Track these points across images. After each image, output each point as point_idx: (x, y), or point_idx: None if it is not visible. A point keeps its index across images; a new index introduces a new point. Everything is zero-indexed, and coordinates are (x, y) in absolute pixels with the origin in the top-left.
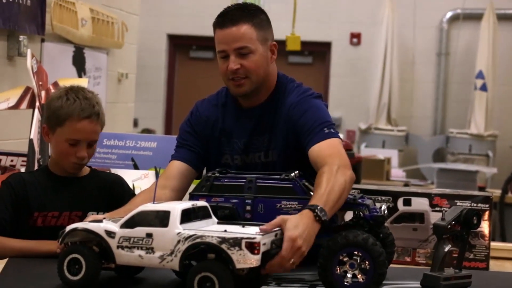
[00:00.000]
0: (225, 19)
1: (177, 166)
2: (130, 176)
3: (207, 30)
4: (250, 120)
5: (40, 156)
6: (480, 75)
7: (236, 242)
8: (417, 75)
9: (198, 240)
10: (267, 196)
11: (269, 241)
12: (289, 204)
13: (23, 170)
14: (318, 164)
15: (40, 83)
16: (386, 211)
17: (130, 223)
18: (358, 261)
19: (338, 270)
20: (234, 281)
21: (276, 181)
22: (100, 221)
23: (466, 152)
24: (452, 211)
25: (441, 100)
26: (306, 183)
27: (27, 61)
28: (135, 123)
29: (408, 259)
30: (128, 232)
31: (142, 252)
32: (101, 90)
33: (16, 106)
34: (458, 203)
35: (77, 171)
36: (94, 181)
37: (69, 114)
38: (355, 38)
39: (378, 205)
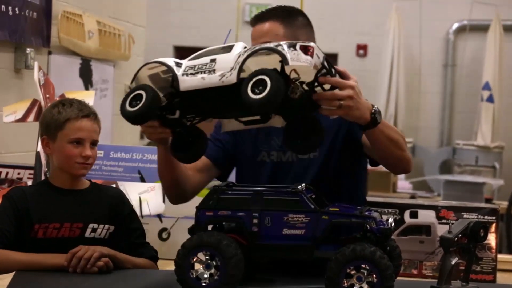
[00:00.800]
0: (256, 17)
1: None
2: (136, 189)
3: (213, 41)
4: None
5: (47, 169)
6: (486, 87)
7: (291, 44)
8: (423, 87)
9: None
10: (274, 209)
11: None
12: (296, 217)
13: (30, 183)
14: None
15: (47, 95)
16: (393, 224)
17: (197, 56)
18: (366, 274)
19: (345, 283)
20: (288, 104)
21: (283, 194)
22: None
23: (473, 163)
24: (459, 224)
25: (447, 111)
26: (313, 196)
27: (34, 74)
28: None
29: (415, 271)
30: (193, 62)
31: (205, 75)
32: (108, 102)
33: (23, 118)
34: (464, 216)
35: (84, 172)
36: (94, 193)
37: (68, 116)
38: (362, 49)
39: (384, 217)
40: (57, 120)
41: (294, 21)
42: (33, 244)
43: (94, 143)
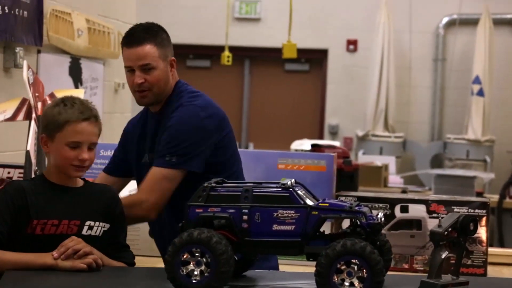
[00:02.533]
0: (132, 39)
1: (101, 178)
2: (127, 187)
3: (204, 39)
4: (153, 123)
5: (37, 168)
6: (476, 80)
7: None
8: (414, 81)
9: None
10: (264, 206)
11: None
12: (286, 213)
13: None
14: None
15: (37, 94)
16: (383, 219)
17: None
18: (356, 269)
19: (336, 278)
20: None
21: (272, 190)
22: None
23: (464, 157)
24: (449, 218)
25: (438, 105)
26: (303, 191)
27: (23, 73)
28: None
29: (406, 266)
30: None
31: None
32: (98, 100)
33: (13, 118)
34: (455, 209)
35: (80, 175)
36: (89, 191)
37: (68, 118)
38: (352, 44)
39: (374, 212)
40: (57, 121)
41: (163, 41)
42: (30, 240)
43: (92, 146)
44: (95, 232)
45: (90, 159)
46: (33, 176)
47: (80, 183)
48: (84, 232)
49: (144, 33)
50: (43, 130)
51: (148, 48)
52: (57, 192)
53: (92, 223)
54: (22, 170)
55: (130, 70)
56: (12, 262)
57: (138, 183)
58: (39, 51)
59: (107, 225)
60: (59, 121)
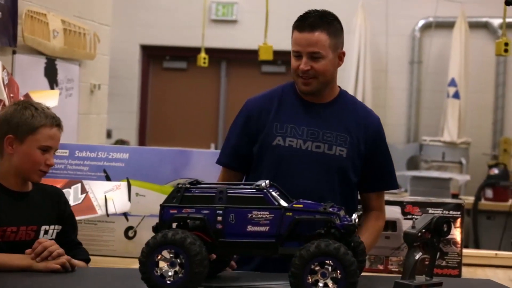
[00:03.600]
0: (305, 23)
1: (223, 175)
2: (102, 188)
3: (180, 40)
4: (315, 113)
5: None
6: (452, 83)
7: None
8: (390, 83)
9: None
10: (238, 207)
11: None
12: (260, 214)
13: None
14: (373, 207)
15: (12, 95)
16: (357, 220)
17: None
18: (330, 270)
19: (310, 279)
20: None
21: (246, 191)
22: None
23: (440, 159)
24: (423, 219)
25: (414, 108)
26: (277, 193)
27: None
28: (109, 134)
29: (381, 267)
30: None
31: None
32: (73, 101)
33: None
34: (430, 211)
35: (40, 180)
36: (40, 194)
37: (44, 122)
38: None
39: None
40: (31, 123)
41: (336, 31)
42: None
43: (55, 152)
44: (51, 236)
45: (54, 164)
46: None
47: (30, 186)
48: (40, 236)
49: (318, 20)
50: (9, 130)
51: (320, 36)
52: (13, 199)
53: (47, 227)
54: None
55: (297, 55)
56: None
57: (265, 168)
58: (14, 52)
59: (59, 227)
60: (34, 124)
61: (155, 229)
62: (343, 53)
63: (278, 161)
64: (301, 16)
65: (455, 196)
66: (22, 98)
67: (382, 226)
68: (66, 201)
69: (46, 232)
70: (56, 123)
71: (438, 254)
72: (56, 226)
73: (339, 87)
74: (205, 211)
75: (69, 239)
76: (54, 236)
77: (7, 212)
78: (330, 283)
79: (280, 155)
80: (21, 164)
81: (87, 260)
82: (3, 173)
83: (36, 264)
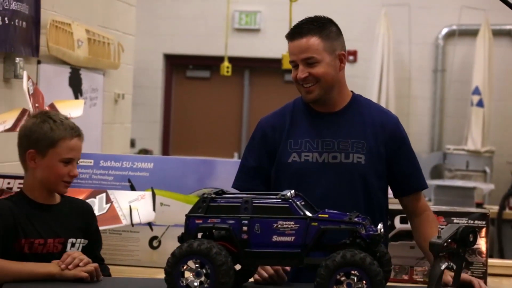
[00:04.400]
0: (295, 32)
1: None
2: (127, 198)
3: (203, 49)
4: (328, 123)
5: None
6: (476, 91)
7: None
8: (413, 92)
9: None
10: (264, 216)
11: None
12: (285, 224)
13: None
14: (416, 210)
15: (37, 105)
16: (382, 230)
17: None
18: (356, 280)
19: None
20: None
21: (272, 201)
22: None
23: (464, 168)
24: (448, 229)
25: (437, 116)
26: (302, 203)
27: (23, 83)
28: (132, 144)
29: (405, 277)
30: None
31: None
32: (97, 111)
33: (13, 128)
34: (454, 220)
35: (66, 191)
36: (68, 208)
37: (63, 134)
38: (351, 55)
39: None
40: (51, 137)
41: (330, 33)
42: (19, 258)
43: (77, 162)
44: (77, 249)
45: (77, 175)
46: None
47: (58, 198)
48: (68, 249)
49: (308, 25)
50: (30, 145)
51: (311, 40)
52: (39, 211)
53: (74, 240)
54: (22, 181)
55: (294, 65)
56: (15, 271)
57: (281, 184)
58: (39, 62)
59: (86, 241)
60: (53, 137)
61: (181, 239)
62: (343, 55)
63: (296, 177)
64: (293, 26)
65: (479, 205)
66: (47, 108)
67: (435, 218)
68: (93, 216)
69: (73, 245)
70: (75, 133)
71: (463, 264)
72: (83, 240)
73: (352, 92)
74: (230, 221)
75: (93, 255)
76: (80, 250)
77: (35, 224)
78: None
79: (297, 172)
80: (45, 178)
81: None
82: (29, 186)
83: (65, 272)
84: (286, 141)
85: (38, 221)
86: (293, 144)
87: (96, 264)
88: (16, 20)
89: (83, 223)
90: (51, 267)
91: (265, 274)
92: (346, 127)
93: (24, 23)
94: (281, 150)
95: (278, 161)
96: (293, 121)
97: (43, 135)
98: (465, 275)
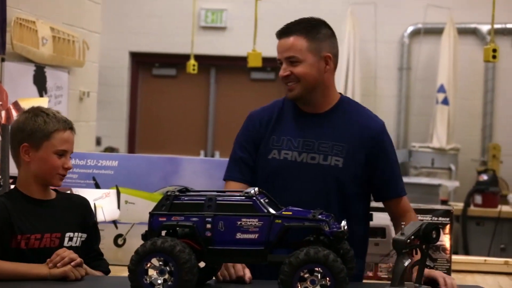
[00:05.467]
0: (281, 31)
1: (234, 187)
2: (91, 195)
3: (170, 47)
4: (312, 124)
5: (0, 177)
6: (441, 89)
7: None
8: (379, 90)
9: None
10: (227, 214)
11: None
12: (249, 221)
13: None
14: (402, 212)
15: (0, 103)
16: (345, 227)
17: None
18: (319, 277)
19: (299, 287)
20: None
21: (236, 199)
22: None
23: (429, 165)
24: (412, 226)
25: (403, 114)
26: (266, 200)
27: None
28: (98, 142)
29: (370, 274)
30: None
31: None
32: (62, 109)
33: None
34: (419, 217)
35: (61, 184)
36: (64, 203)
37: (56, 126)
38: None
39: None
40: (45, 129)
41: (317, 34)
42: (16, 254)
43: (70, 155)
44: (75, 243)
45: (72, 167)
46: None
47: (53, 194)
48: (65, 244)
49: (296, 25)
50: (23, 138)
51: (296, 40)
52: (35, 206)
53: (71, 234)
54: None
55: (279, 63)
56: (8, 271)
57: (263, 181)
58: (3, 59)
59: (84, 235)
60: (47, 130)
61: (144, 237)
62: (329, 57)
63: (273, 174)
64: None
65: (444, 202)
66: (11, 106)
67: (416, 219)
68: (91, 211)
69: (70, 239)
70: (68, 126)
71: (427, 260)
72: (81, 234)
73: (340, 94)
74: (194, 219)
75: (92, 249)
76: (79, 244)
77: (30, 220)
78: None
79: (275, 169)
80: (40, 171)
81: (107, 272)
82: (23, 181)
83: (53, 271)
84: (269, 136)
85: (33, 216)
86: (275, 141)
87: (84, 270)
88: None
89: (80, 217)
90: (43, 269)
91: (233, 276)
92: (328, 129)
93: None
94: (263, 145)
95: (260, 154)
96: (279, 117)
97: (37, 128)
98: (432, 271)
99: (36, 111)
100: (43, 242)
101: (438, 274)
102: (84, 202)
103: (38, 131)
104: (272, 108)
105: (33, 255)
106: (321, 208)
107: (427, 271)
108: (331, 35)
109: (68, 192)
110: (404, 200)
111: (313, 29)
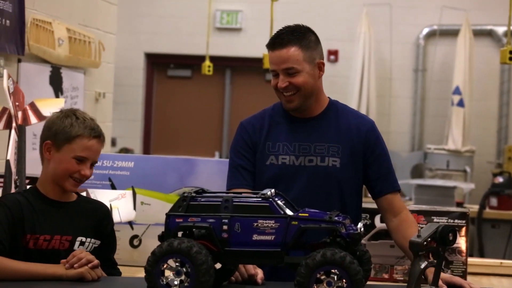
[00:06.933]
0: (275, 41)
1: None
2: (107, 196)
3: (185, 48)
4: (305, 128)
5: (17, 177)
6: (457, 91)
7: None
8: (394, 91)
9: None
10: (244, 215)
11: None
12: (266, 223)
13: None
14: (392, 210)
15: (17, 103)
16: (362, 229)
17: None
18: (336, 279)
19: None
20: None
21: (252, 200)
22: None
23: (444, 167)
24: (428, 228)
25: (418, 116)
26: (283, 202)
27: (4, 82)
28: (113, 143)
29: (386, 276)
30: None
31: None
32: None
33: None
34: (435, 220)
35: (75, 190)
36: (82, 207)
37: (81, 132)
38: (332, 55)
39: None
40: (68, 132)
41: (309, 43)
42: (24, 254)
43: (93, 164)
44: (87, 248)
45: (89, 175)
46: (12, 185)
47: (74, 197)
48: (75, 247)
49: (289, 35)
50: (48, 136)
51: (292, 51)
52: (50, 207)
53: (83, 239)
54: (1, 179)
55: (274, 74)
56: (21, 271)
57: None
58: (19, 60)
59: (98, 242)
60: (71, 134)
61: (161, 238)
62: (322, 63)
63: (273, 179)
64: (273, 35)
65: (459, 204)
66: (27, 107)
67: (413, 218)
68: (110, 218)
69: (82, 243)
70: (94, 134)
71: (443, 263)
72: (94, 240)
73: (328, 98)
74: (210, 220)
75: (107, 258)
76: (90, 250)
77: (42, 220)
78: None
79: (274, 174)
80: (55, 171)
81: None
82: (42, 179)
83: (69, 271)
84: (264, 143)
85: (46, 216)
86: (271, 147)
87: (100, 271)
88: (0, 18)
89: (96, 223)
90: (58, 269)
91: (245, 275)
92: (322, 131)
93: (7, 21)
94: (259, 152)
95: (257, 161)
96: (271, 124)
97: (62, 129)
98: (455, 277)
99: (68, 113)
100: (52, 244)
101: (463, 281)
102: (103, 208)
103: (62, 133)
104: (263, 116)
105: (40, 256)
106: (323, 208)
107: (449, 276)
108: (318, 40)
109: (84, 194)
110: (399, 196)
111: (305, 38)
